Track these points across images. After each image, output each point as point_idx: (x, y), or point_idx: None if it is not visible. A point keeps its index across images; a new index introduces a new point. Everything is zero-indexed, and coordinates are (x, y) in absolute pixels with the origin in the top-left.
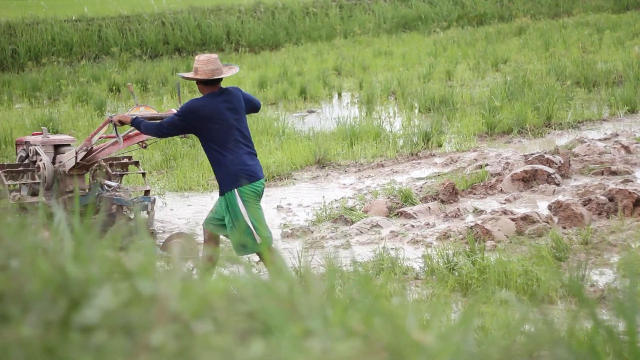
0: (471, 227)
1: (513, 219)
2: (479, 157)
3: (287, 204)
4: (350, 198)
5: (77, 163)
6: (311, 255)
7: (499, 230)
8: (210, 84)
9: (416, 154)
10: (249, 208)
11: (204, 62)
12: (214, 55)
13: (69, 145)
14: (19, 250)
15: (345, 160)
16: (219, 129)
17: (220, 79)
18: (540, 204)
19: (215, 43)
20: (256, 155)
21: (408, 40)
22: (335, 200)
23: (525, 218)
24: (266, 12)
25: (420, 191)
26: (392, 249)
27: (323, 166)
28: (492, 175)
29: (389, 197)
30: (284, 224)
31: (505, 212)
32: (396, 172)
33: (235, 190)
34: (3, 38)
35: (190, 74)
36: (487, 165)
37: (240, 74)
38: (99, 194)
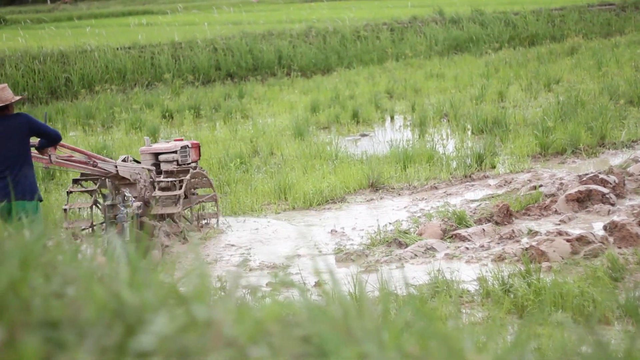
0: (526, 249)
1: (568, 240)
2: (532, 178)
3: (341, 228)
4: (404, 221)
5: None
6: (366, 279)
7: (554, 251)
8: None
9: (470, 176)
10: None
11: None
12: (1, 85)
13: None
14: (74, 277)
15: (399, 183)
16: None
17: (6, 108)
18: (595, 225)
19: (267, 68)
20: (5, 178)
21: (460, 62)
22: (389, 223)
23: (581, 239)
24: (317, 37)
25: (474, 213)
26: (446, 271)
27: (377, 189)
28: (546, 196)
29: (443, 220)
30: (339, 249)
31: (560, 233)
32: (450, 194)
33: None
34: (56, 66)
35: None
36: (541, 186)
37: (293, 98)
38: (115, 205)
